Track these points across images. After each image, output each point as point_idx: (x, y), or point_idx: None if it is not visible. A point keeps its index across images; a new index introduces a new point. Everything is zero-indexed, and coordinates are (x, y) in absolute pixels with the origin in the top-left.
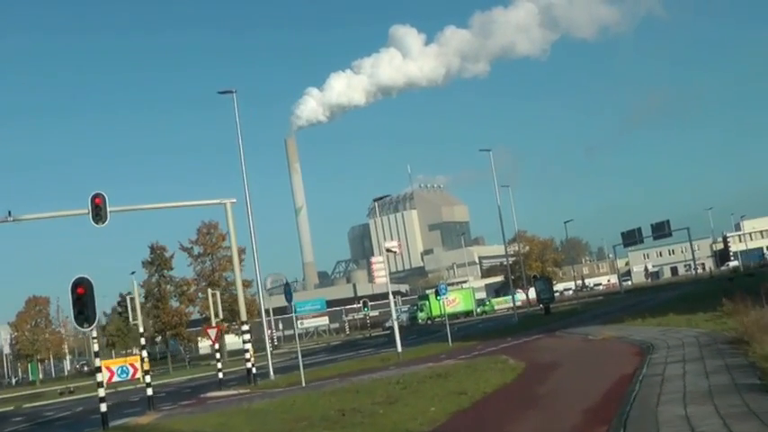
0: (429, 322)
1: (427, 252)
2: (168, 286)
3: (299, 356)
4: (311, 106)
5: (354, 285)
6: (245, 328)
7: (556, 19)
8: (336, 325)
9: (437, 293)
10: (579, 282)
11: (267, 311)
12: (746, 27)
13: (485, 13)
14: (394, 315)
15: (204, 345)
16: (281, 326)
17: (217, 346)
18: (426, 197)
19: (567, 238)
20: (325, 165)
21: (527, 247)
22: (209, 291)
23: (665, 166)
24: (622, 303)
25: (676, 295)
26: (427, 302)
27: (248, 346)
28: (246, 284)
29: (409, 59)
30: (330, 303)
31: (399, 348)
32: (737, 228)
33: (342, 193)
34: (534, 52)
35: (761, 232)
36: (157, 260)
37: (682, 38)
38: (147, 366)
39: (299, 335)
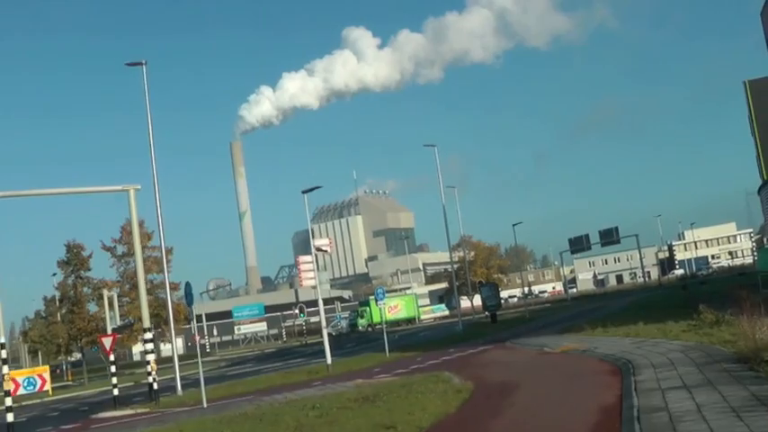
0: (370, 329)
1: (371, 258)
2: (85, 288)
3: (200, 370)
4: (259, 109)
5: (296, 291)
6: (148, 336)
7: (510, 26)
8: (275, 331)
9: (376, 299)
10: (525, 289)
11: (199, 317)
12: (697, 41)
13: (438, 19)
14: (323, 322)
15: (139, 350)
16: (215, 332)
17: (112, 358)
18: (372, 203)
19: (514, 244)
20: (270, 169)
21: (472, 253)
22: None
23: (613, 175)
24: (574, 310)
25: (630, 302)
26: (368, 308)
27: (151, 357)
28: (174, 287)
29: (363, 63)
30: (271, 309)
31: (329, 360)
32: (681, 237)
33: (287, 197)
34: (487, 59)
35: (706, 241)
36: (74, 260)
37: (633, 50)
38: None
39: (237, 340)
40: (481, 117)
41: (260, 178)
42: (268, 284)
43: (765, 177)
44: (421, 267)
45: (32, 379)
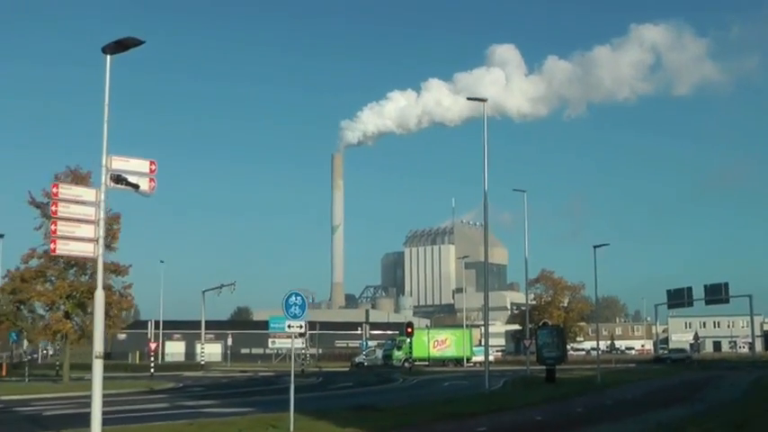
0: (408, 364)
1: (459, 290)
2: None
3: None
4: (364, 125)
5: (367, 311)
6: None
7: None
8: (321, 351)
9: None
10: (608, 342)
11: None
12: None
13: (587, 53)
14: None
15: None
16: (230, 341)
17: None
18: (467, 233)
19: (601, 296)
20: (368, 186)
21: (550, 291)
22: None
23: (731, 240)
24: (668, 381)
25: (753, 383)
26: (409, 340)
27: None
28: (119, 270)
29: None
30: (335, 326)
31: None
32: None
33: (380, 217)
34: (630, 99)
35: None
36: None
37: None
38: None
39: (273, 354)
40: (605, 160)
41: (356, 195)
42: (351, 302)
43: None
44: (508, 306)
45: None
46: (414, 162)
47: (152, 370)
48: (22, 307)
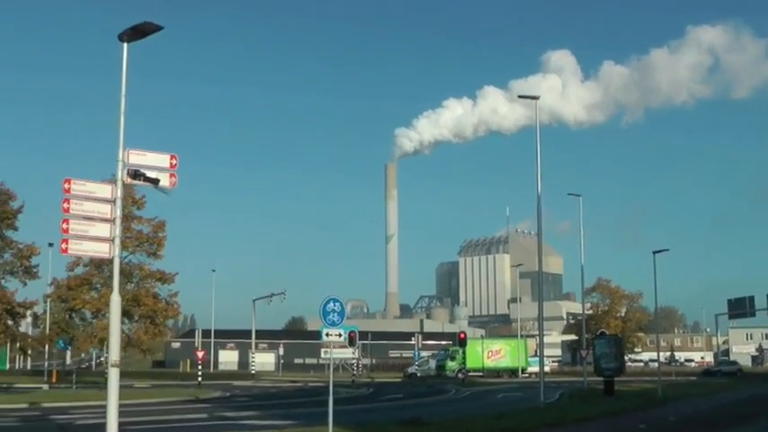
0: (461, 375)
1: (514, 300)
2: (5, 255)
3: None
4: (419, 134)
5: (421, 321)
6: None
7: (716, 70)
8: (374, 361)
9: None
10: (667, 354)
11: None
12: None
13: (643, 57)
14: None
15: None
16: (281, 351)
17: None
18: (522, 243)
19: (659, 306)
20: (422, 196)
21: (607, 300)
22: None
23: None
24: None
25: None
26: (463, 350)
27: None
28: (165, 277)
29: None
30: (388, 336)
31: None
32: None
33: (435, 226)
34: (683, 101)
35: None
36: None
37: None
38: None
39: (322, 365)
40: (662, 166)
41: (411, 204)
42: (406, 312)
43: None
44: (564, 316)
45: None
46: (468, 171)
47: (199, 378)
48: (73, 315)
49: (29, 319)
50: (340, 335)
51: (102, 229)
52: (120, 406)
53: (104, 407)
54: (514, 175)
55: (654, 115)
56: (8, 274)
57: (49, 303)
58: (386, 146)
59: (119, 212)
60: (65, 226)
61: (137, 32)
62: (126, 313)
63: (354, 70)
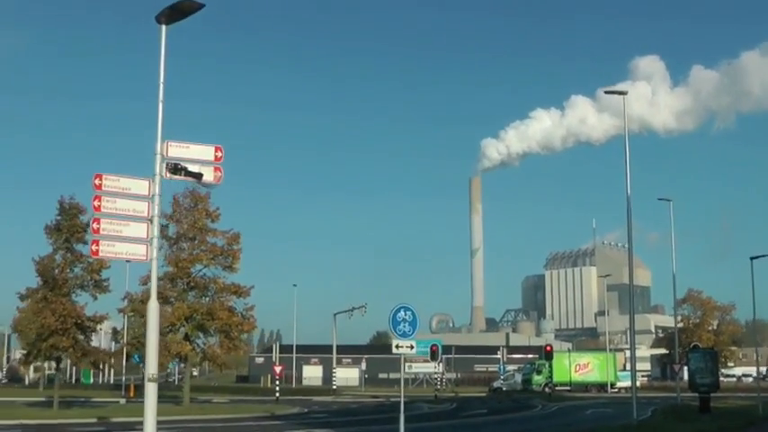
0: (548, 390)
1: (601, 313)
2: (76, 269)
3: None
4: (506, 146)
5: (507, 335)
6: None
7: None
8: (459, 375)
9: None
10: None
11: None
12: None
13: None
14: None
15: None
16: (364, 366)
17: None
18: (609, 255)
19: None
20: (507, 208)
21: (699, 312)
22: None
23: None
24: None
25: None
26: (549, 364)
27: None
28: (241, 291)
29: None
30: (474, 350)
31: None
32: None
33: (520, 239)
34: None
35: None
36: (66, 226)
37: None
38: None
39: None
40: (755, 172)
41: (496, 217)
42: (492, 326)
43: None
44: (652, 329)
45: None
46: (554, 182)
47: (277, 394)
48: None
49: (106, 334)
50: (412, 347)
51: (138, 230)
52: (189, 422)
53: (172, 422)
54: (601, 187)
55: (745, 120)
56: (78, 288)
57: (126, 317)
58: (468, 159)
59: (156, 211)
60: (95, 226)
61: (175, 12)
62: (201, 327)
63: (441, 83)
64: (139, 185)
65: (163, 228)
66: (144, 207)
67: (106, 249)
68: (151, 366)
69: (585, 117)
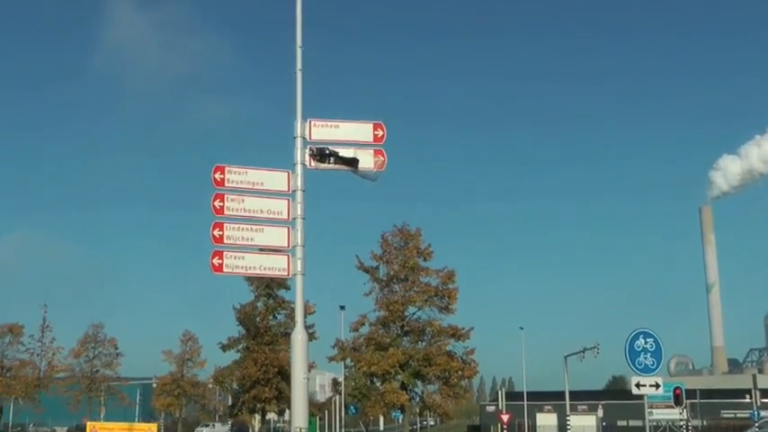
0: None
1: None
2: (278, 315)
3: None
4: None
5: (754, 376)
6: None
7: None
8: (705, 422)
9: None
10: None
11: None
12: None
13: None
14: None
15: None
16: (600, 413)
17: None
18: None
19: None
20: (743, 237)
21: None
22: None
23: None
24: None
25: None
26: None
27: None
28: (459, 333)
29: None
30: (718, 394)
31: None
32: None
33: (759, 271)
34: None
35: None
36: None
37: None
38: None
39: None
40: None
41: (730, 249)
42: (735, 367)
43: None
44: None
45: None
46: None
47: None
48: (374, 379)
49: (320, 387)
50: (657, 386)
51: (276, 236)
52: None
53: None
54: None
55: None
56: (282, 335)
57: (343, 366)
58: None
59: (300, 211)
60: (217, 233)
61: None
62: (417, 374)
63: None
64: (275, 179)
65: (373, 270)
66: (282, 207)
67: (232, 264)
68: (299, 418)
69: None
